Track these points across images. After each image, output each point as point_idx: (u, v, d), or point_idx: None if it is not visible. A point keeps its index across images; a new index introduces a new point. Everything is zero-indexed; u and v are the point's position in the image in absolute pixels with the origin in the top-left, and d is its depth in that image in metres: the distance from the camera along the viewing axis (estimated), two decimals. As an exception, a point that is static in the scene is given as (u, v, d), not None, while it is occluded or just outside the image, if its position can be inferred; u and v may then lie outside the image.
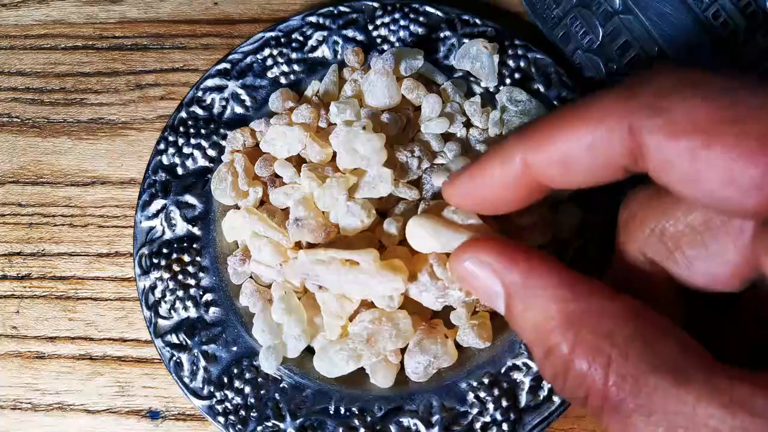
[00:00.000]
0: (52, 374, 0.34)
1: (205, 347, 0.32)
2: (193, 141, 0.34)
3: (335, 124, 0.32)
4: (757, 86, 0.15)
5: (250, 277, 0.33)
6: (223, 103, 0.35)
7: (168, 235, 0.33)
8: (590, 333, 0.17)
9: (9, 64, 0.39)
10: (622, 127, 0.16)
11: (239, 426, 0.31)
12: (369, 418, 0.31)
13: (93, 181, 0.37)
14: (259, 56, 0.35)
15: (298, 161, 0.33)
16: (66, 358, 0.35)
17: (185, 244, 0.33)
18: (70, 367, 0.34)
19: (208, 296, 0.33)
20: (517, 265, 0.19)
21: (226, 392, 0.31)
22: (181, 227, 0.33)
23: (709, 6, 0.30)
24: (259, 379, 0.31)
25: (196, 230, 0.33)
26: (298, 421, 0.31)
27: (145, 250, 0.33)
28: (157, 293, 0.33)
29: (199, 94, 0.35)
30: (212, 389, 0.31)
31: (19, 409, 0.34)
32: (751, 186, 0.15)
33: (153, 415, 0.34)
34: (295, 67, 0.35)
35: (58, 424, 0.34)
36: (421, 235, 0.25)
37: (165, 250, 0.33)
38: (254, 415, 0.31)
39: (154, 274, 0.33)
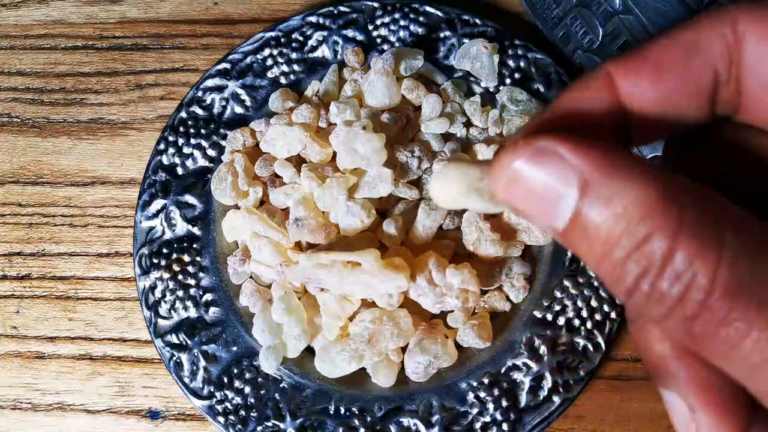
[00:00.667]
0: (52, 374, 0.34)
1: (205, 347, 0.32)
2: (193, 141, 0.34)
3: (335, 124, 0.32)
4: None
5: (250, 277, 0.33)
6: (223, 103, 0.35)
7: (168, 235, 0.33)
8: (700, 213, 0.14)
9: (9, 64, 0.39)
10: (725, 22, 0.17)
11: (239, 426, 0.31)
12: (369, 418, 0.31)
13: (93, 181, 0.37)
14: (259, 56, 0.35)
15: (298, 161, 0.33)
16: (66, 358, 0.35)
17: (185, 244, 0.33)
18: (70, 367, 0.34)
19: (208, 296, 0.33)
20: (592, 148, 0.15)
21: (226, 392, 0.31)
22: (181, 227, 0.34)
23: (708, 5, 0.30)
24: (259, 379, 0.31)
25: (196, 230, 0.33)
26: (298, 421, 0.31)
27: (145, 250, 0.33)
28: (157, 293, 0.33)
29: (199, 94, 0.35)
30: (212, 389, 0.31)
31: (19, 409, 0.34)
32: None
33: (153, 415, 0.34)
34: (295, 67, 0.35)
35: (58, 424, 0.34)
36: (448, 179, 0.19)
37: (165, 250, 0.33)
38: (254, 415, 0.31)
39: (154, 274, 0.33)
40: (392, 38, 0.35)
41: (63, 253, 0.36)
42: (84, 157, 0.38)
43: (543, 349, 0.31)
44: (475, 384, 0.31)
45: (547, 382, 0.30)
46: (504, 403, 0.30)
